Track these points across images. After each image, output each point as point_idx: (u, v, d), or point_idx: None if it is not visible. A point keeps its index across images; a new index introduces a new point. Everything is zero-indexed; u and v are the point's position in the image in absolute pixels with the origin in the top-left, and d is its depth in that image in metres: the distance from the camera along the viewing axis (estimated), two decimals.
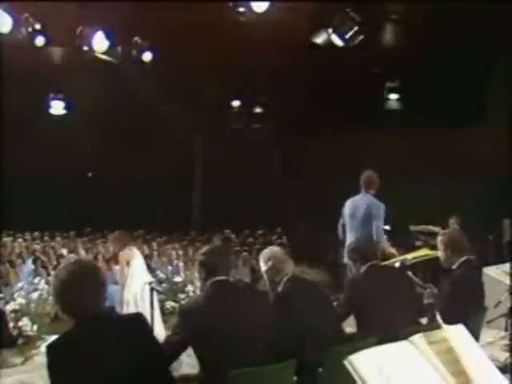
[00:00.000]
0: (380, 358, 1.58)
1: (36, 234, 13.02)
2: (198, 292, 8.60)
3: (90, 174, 16.98)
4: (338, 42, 8.39)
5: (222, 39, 9.62)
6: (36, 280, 7.80)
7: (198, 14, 8.69)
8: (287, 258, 3.71)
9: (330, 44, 8.55)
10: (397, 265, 5.18)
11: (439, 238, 4.19)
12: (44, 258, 10.37)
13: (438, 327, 1.74)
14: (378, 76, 12.03)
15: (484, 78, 11.09)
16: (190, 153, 16.04)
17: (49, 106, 13.02)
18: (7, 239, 11.74)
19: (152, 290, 5.27)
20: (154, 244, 12.26)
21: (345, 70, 11.13)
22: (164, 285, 8.98)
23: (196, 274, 3.37)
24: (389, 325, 3.30)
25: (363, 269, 4.00)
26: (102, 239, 13.19)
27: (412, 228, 8.58)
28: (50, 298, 6.55)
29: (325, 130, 13.06)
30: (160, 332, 6.24)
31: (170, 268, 10.08)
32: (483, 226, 8.92)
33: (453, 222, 8.40)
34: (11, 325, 6.52)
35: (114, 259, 10.12)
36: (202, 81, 11.92)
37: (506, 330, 4.39)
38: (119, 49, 10.25)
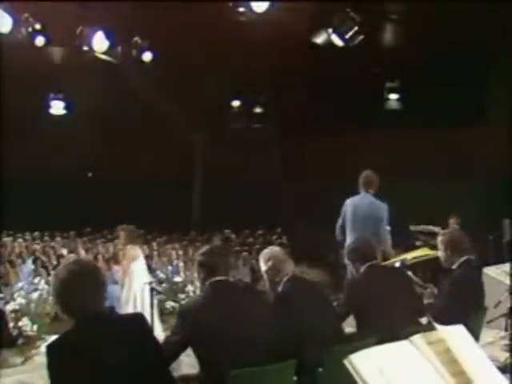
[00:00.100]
0: (380, 358, 1.58)
1: (36, 234, 13.02)
2: (198, 292, 8.60)
3: (90, 174, 16.98)
4: (338, 42, 8.40)
5: (222, 39, 9.62)
6: (36, 280, 7.80)
7: (197, 14, 8.69)
8: (287, 257, 3.71)
9: (330, 44, 8.55)
10: (397, 265, 5.18)
11: (439, 238, 4.19)
12: (44, 258, 10.38)
13: (432, 328, 1.74)
14: (378, 76, 12.02)
15: (484, 77, 11.08)
16: (190, 153, 16.04)
17: (49, 106, 13.02)
18: (7, 239, 11.73)
19: (152, 290, 5.27)
20: (154, 244, 12.27)
21: (345, 70, 11.13)
22: (164, 285, 8.98)
23: (196, 274, 3.36)
24: (388, 325, 3.30)
25: (362, 269, 4.00)
26: (101, 239, 13.20)
27: (412, 228, 8.56)
28: (50, 298, 6.56)
29: (325, 130, 13.05)
30: (157, 332, 6.24)
31: (170, 268, 10.08)
32: (483, 225, 8.92)
33: (453, 222, 8.39)
34: (11, 325, 6.52)
35: (113, 259, 10.15)
36: (202, 81, 11.92)
37: (506, 330, 4.39)
38: (119, 49, 10.26)
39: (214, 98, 13.06)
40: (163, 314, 8.24)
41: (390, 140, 12.19)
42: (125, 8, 8.47)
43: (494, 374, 1.71)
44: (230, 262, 6.59)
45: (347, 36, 8.28)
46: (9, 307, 6.75)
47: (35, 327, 6.59)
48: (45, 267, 9.51)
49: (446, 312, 3.75)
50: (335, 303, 4.17)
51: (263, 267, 3.67)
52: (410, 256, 5.71)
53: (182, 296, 8.84)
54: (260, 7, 7.88)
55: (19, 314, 6.71)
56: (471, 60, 10.78)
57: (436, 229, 7.81)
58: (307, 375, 3.08)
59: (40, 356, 5.61)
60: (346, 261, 4.47)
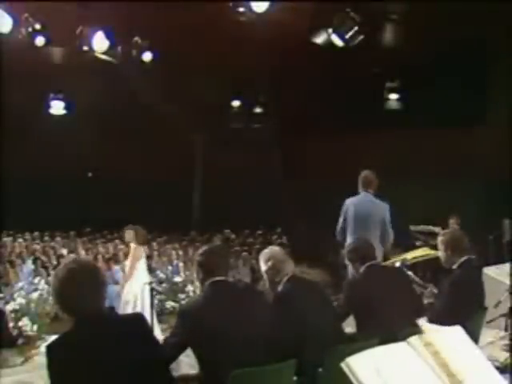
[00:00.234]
0: (377, 360, 1.58)
1: (36, 234, 13.02)
2: (198, 292, 8.61)
3: (90, 174, 16.99)
4: (337, 42, 8.40)
5: (222, 39, 9.62)
6: (36, 280, 7.80)
7: (197, 14, 8.69)
8: (287, 257, 3.70)
9: (330, 44, 8.55)
10: (397, 265, 5.18)
11: (440, 238, 4.19)
12: (44, 258, 10.38)
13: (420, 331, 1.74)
14: (378, 76, 12.01)
15: (484, 77, 11.08)
16: (190, 153, 16.04)
17: (49, 106, 13.01)
18: (7, 239, 11.74)
19: (152, 290, 5.28)
20: (154, 244, 12.27)
21: (345, 70, 11.13)
22: (164, 285, 8.99)
23: (195, 275, 3.36)
24: (388, 325, 3.30)
25: (362, 269, 3.99)
26: (101, 239, 13.21)
27: (412, 228, 8.56)
28: (50, 298, 6.55)
29: (325, 130, 13.05)
30: (155, 333, 6.25)
31: (170, 268, 10.09)
32: (483, 226, 8.92)
33: (453, 222, 8.39)
34: (11, 325, 6.52)
35: (113, 259, 10.16)
36: (202, 81, 11.91)
37: (505, 330, 4.38)
38: (119, 49, 10.26)
39: (213, 97, 13.05)
40: (163, 313, 8.25)
41: (389, 140, 12.18)
42: (125, 8, 8.47)
43: (492, 375, 1.71)
44: (230, 262, 6.59)
45: (347, 36, 8.28)
46: (9, 307, 6.75)
47: (35, 327, 6.59)
48: (45, 267, 9.52)
49: (446, 312, 3.75)
50: (335, 303, 4.16)
51: (263, 267, 3.66)
52: (409, 256, 5.71)
53: (182, 296, 8.84)
54: (260, 7, 7.88)
55: (19, 313, 6.71)
56: (471, 60, 10.78)
57: (436, 229, 7.80)
58: (307, 375, 3.08)
59: (40, 356, 5.61)
60: (346, 261, 4.47)
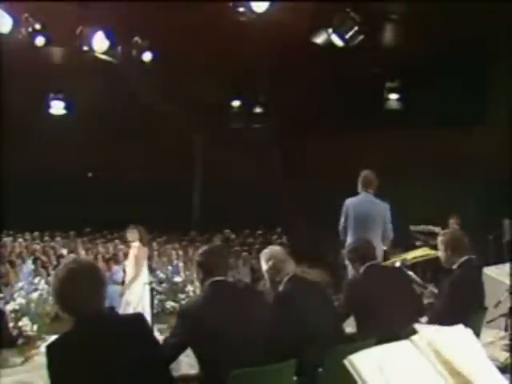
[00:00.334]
0: (380, 358, 1.58)
1: (36, 234, 13.03)
2: (198, 292, 8.61)
3: (90, 174, 16.99)
4: (338, 42, 8.40)
5: (222, 39, 9.62)
6: (36, 280, 7.79)
7: (197, 14, 8.69)
8: (288, 257, 3.69)
9: (330, 44, 8.55)
10: (397, 265, 5.18)
11: (440, 238, 4.19)
12: (44, 258, 10.39)
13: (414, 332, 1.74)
14: (378, 76, 12.01)
15: (484, 77, 11.08)
16: (190, 153, 16.05)
17: (49, 106, 13.01)
18: (7, 239, 11.74)
19: (152, 290, 5.28)
20: (154, 244, 12.27)
21: (345, 70, 11.13)
22: (164, 285, 8.98)
23: (195, 275, 3.35)
24: (388, 325, 3.30)
25: (362, 269, 3.99)
26: (101, 239, 13.22)
27: (412, 228, 8.55)
28: (50, 298, 6.55)
29: (325, 130, 13.05)
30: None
31: (170, 268, 10.09)
32: (483, 226, 8.92)
33: (453, 222, 8.39)
34: (11, 325, 6.51)
35: (113, 259, 10.16)
36: (202, 81, 11.92)
37: (506, 330, 4.39)
38: (119, 49, 10.26)
39: (213, 97, 13.05)
40: (163, 313, 8.25)
41: (389, 140, 12.18)
42: (125, 8, 8.48)
43: (494, 374, 1.71)
44: (230, 262, 6.59)
45: (347, 36, 8.28)
46: (9, 307, 6.74)
47: (35, 327, 6.58)
48: (45, 267, 9.52)
49: (446, 312, 3.75)
50: (336, 303, 4.16)
51: (264, 267, 3.65)
52: (409, 256, 5.70)
53: (182, 296, 8.83)
54: (260, 7, 7.88)
55: (19, 313, 6.70)
56: (471, 60, 10.78)
57: (436, 229, 7.80)
58: (307, 375, 3.08)
59: (40, 356, 5.60)
60: (346, 261, 4.47)
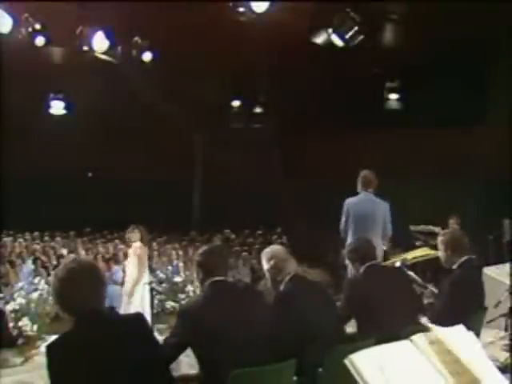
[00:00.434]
0: (381, 358, 1.58)
1: (36, 234, 13.03)
2: (198, 292, 8.61)
3: (90, 174, 16.99)
4: (338, 42, 8.40)
5: (222, 39, 9.62)
6: (36, 280, 7.78)
7: (198, 14, 8.69)
8: (289, 256, 3.68)
9: (330, 44, 8.55)
10: (397, 265, 5.18)
11: (440, 238, 4.19)
12: (44, 258, 10.39)
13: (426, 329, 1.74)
14: (378, 76, 12.02)
15: (484, 77, 11.08)
16: (190, 153, 16.05)
17: (49, 106, 13.02)
18: (7, 239, 11.74)
19: (152, 290, 5.28)
20: (154, 244, 12.27)
21: (345, 70, 11.13)
22: (164, 285, 8.97)
23: (195, 275, 3.35)
24: (389, 325, 3.30)
25: (362, 269, 3.99)
26: (101, 239, 13.22)
27: (412, 228, 8.56)
28: (50, 298, 6.55)
29: (325, 130, 13.05)
30: None
31: (169, 268, 10.08)
32: (483, 226, 8.91)
33: (453, 222, 8.39)
34: (11, 325, 6.51)
35: (113, 259, 10.16)
36: (202, 81, 11.92)
37: (506, 330, 4.39)
38: (119, 49, 10.26)
39: (213, 97, 13.06)
40: (163, 313, 8.24)
41: (389, 140, 12.18)
42: (125, 8, 8.47)
43: (494, 374, 1.71)
44: (230, 262, 6.58)
45: (347, 36, 8.28)
46: (9, 307, 6.74)
47: (35, 327, 6.58)
48: (45, 267, 9.52)
49: (446, 312, 3.75)
50: (337, 303, 4.15)
51: (265, 266, 3.64)
52: (410, 256, 5.70)
53: (182, 296, 8.82)
54: (260, 7, 7.88)
55: (19, 313, 6.70)
56: (471, 60, 10.78)
57: (436, 229, 7.80)
58: (307, 375, 3.08)
59: (40, 356, 5.59)
60: (347, 261, 4.47)
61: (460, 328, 1.79)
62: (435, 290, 4.98)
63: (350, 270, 4.56)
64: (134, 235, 7.63)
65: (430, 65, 11.05)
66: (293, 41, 9.23)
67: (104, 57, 10.31)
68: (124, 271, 8.37)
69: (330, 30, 8.36)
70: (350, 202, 5.82)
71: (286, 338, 3.18)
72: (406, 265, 5.21)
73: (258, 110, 14.43)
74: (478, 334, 3.60)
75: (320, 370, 3.04)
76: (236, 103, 14.47)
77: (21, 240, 12.04)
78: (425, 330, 1.73)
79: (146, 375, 2.35)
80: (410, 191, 11.02)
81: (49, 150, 14.23)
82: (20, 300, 6.89)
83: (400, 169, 11.25)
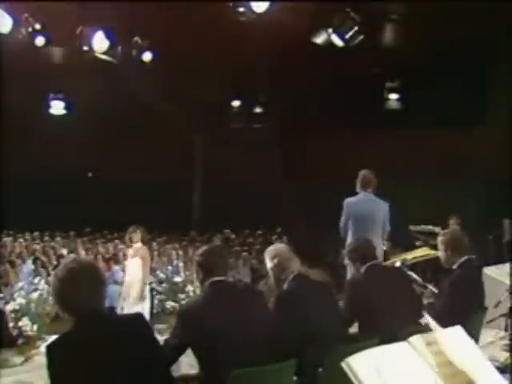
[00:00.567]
0: (377, 360, 1.58)
1: (36, 233, 13.03)
2: (198, 292, 8.61)
3: (90, 174, 16.99)
4: (338, 42, 8.40)
5: (222, 39, 9.62)
6: (36, 280, 7.80)
7: (197, 14, 8.69)
8: (293, 255, 3.66)
9: (330, 44, 8.55)
10: (397, 265, 5.18)
11: (440, 238, 4.18)
12: (44, 258, 10.39)
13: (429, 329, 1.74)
14: (378, 76, 12.02)
15: (484, 77, 11.08)
16: (190, 153, 16.05)
17: (49, 106, 13.02)
18: (7, 239, 11.74)
19: (152, 290, 5.28)
20: (154, 244, 12.27)
21: (345, 70, 11.13)
22: (164, 285, 8.98)
23: (195, 275, 3.34)
24: (389, 325, 3.30)
25: (363, 269, 3.99)
26: (101, 239, 13.22)
27: (412, 228, 8.55)
28: (50, 298, 6.56)
29: (325, 130, 13.05)
30: None
31: (170, 268, 10.09)
32: (483, 226, 8.92)
33: (453, 222, 8.39)
34: (11, 325, 6.52)
35: (113, 259, 10.16)
36: (202, 81, 11.92)
37: (505, 330, 4.39)
38: (119, 49, 10.26)
39: (213, 97, 13.06)
40: (163, 313, 8.25)
41: (389, 140, 12.19)
42: (125, 8, 8.48)
43: (493, 375, 1.71)
44: (230, 262, 6.57)
45: (347, 36, 8.29)
46: (9, 307, 6.75)
47: (35, 327, 6.59)
48: (45, 267, 9.52)
49: (446, 312, 3.75)
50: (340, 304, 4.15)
51: (269, 264, 3.62)
52: (410, 256, 5.71)
53: (182, 296, 8.83)
54: (260, 7, 7.88)
55: (19, 313, 6.71)
56: (471, 60, 10.78)
57: (436, 229, 7.79)
58: (307, 375, 3.08)
59: (40, 356, 5.60)
60: (346, 261, 4.47)
61: (457, 329, 1.79)
62: (435, 290, 4.98)
63: (350, 269, 4.56)
64: (136, 236, 7.64)
65: (430, 65, 11.05)
66: (293, 41, 9.23)
67: (104, 57, 10.31)
68: (124, 271, 8.36)
69: (330, 30, 8.36)
70: (349, 201, 5.81)
71: (288, 338, 3.17)
72: (406, 265, 5.21)
73: (257, 110, 14.44)
74: (478, 334, 3.61)
75: (320, 370, 3.03)
76: (236, 103, 14.48)
77: (21, 240, 12.04)
78: (424, 330, 1.73)
79: (146, 375, 2.35)
80: (410, 191, 11.02)
81: (49, 150, 14.23)
82: (20, 300, 6.90)
83: (400, 169, 11.26)
